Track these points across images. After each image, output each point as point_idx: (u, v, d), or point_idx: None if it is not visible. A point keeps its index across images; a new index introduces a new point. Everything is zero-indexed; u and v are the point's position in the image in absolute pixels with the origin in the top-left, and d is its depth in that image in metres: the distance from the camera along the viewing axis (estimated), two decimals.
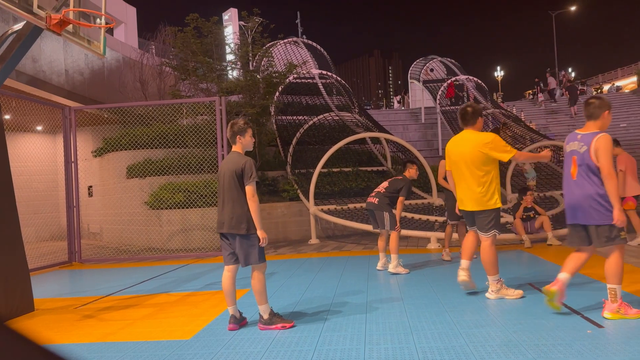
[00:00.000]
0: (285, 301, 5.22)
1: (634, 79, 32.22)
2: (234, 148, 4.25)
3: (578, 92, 24.42)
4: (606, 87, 37.24)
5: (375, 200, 6.79)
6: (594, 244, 4.15)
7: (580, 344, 3.44)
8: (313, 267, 7.48)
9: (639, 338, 3.50)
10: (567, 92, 24.40)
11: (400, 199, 6.73)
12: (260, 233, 4.03)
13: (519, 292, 4.90)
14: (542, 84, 27.61)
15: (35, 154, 13.38)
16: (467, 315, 4.31)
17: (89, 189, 13.83)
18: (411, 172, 7.05)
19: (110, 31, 19.09)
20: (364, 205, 10.76)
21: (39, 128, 14.74)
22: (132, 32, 22.53)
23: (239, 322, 4.28)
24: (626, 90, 32.06)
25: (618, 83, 40.07)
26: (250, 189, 4.04)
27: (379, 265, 6.93)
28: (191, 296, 5.78)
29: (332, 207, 11.01)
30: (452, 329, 3.93)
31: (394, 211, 6.72)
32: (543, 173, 15.10)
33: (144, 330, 4.37)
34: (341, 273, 6.73)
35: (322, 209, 10.76)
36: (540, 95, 27.21)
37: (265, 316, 4.16)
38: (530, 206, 9.03)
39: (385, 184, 6.99)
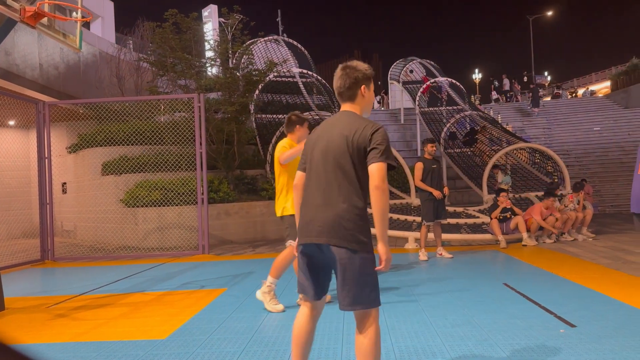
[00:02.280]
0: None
1: (608, 83, 32.98)
2: (348, 107, 2.62)
3: (540, 94, 25.65)
4: (581, 91, 38.03)
5: None
6: None
7: (554, 343, 3.50)
8: (291, 267, 7.45)
9: (611, 337, 3.57)
10: (530, 94, 25.60)
11: None
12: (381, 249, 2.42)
13: (280, 307, 4.72)
14: (496, 83, 29.33)
15: (7, 149, 13.04)
16: (443, 315, 4.35)
17: (63, 186, 13.55)
18: None
19: (86, 25, 18.75)
20: None
21: (12, 123, 14.37)
22: (109, 27, 22.16)
23: None
24: (600, 95, 32.80)
25: (592, 87, 40.95)
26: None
27: None
28: (167, 295, 5.70)
29: None
30: (428, 328, 3.96)
31: None
32: (519, 175, 15.34)
33: (118, 330, 4.29)
34: None
35: None
36: (493, 92, 29.49)
37: None
38: (509, 207, 9.17)
39: None
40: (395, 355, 3.36)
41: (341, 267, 2.36)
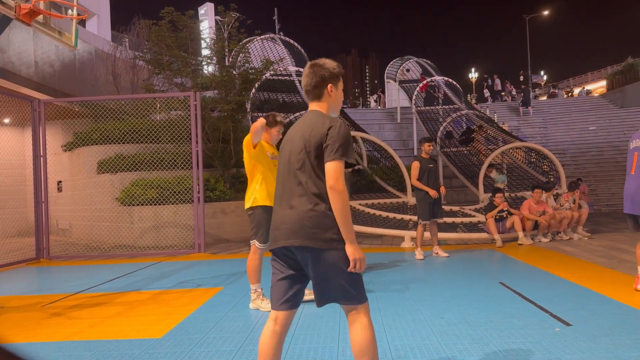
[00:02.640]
0: None
1: (603, 83, 33.10)
2: (314, 105, 2.57)
3: (532, 94, 26.49)
4: (577, 91, 38.14)
5: None
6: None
7: (549, 341, 3.51)
8: None
9: (606, 336, 3.59)
10: (521, 94, 26.04)
11: None
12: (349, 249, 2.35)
13: None
14: (489, 81, 29.82)
15: (2, 147, 12.98)
16: (439, 314, 4.35)
17: (58, 184, 13.50)
18: None
19: (82, 23, 18.66)
20: None
21: (7, 121, 14.30)
22: (105, 25, 22.07)
23: None
24: (595, 94, 32.90)
25: (588, 87, 41.08)
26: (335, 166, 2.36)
27: None
28: (162, 294, 5.69)
29: None
30: (424, 327, 3.97)
31: None
32: (514, 174, 15.38)
33: (113, 329, 4.28)
34: None
35: None
36: (485, 90, 30.12)
37: None
38: (505, 208, 9.18)
39: None
40: (391, 354, 3.36)
41: (310, 266, 2.33)
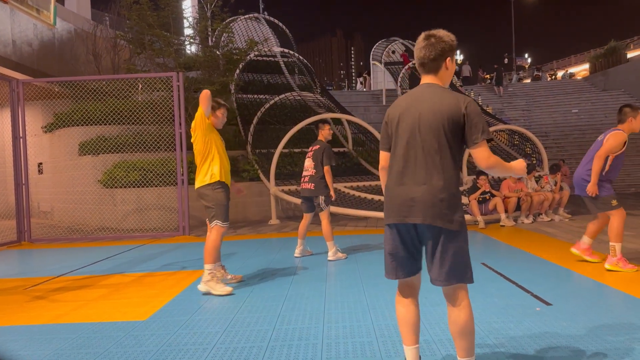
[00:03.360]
0: (244, 282, 5.20)
1: (586, 66, 33.39)
2: (431, 79, 2.50)
3: (503, 74, 27.20)
4: (560, 74, 38.45)
5: (311, 186, 6.16)
6: (591, 210, 5.25)
7: (530, 320, 3.58)
8: (273, 247, 7.47)
9: (585, 315, 3.67)
10: (493, 74, 27.23)
11: (326, 168, 6.10)
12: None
13: (228, 289, 4.60)
14: (457, 68, 30.57)
15: None
16: (422, 294, 4.40)
17: (38, 166, 13.28)
18: (324, 133, 6.35)
19: (61, 1, 18.18)
20: None
21: None
22: (84, 3, 21.48)
23: None
24: (578, 77, 33.20)
25: (571, 70, 41.44)
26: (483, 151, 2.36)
27: (297, 252, 6.50)
28: (147, 277, 5.67)
29: (293, 187, 10.98)
30: None
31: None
32: (498, 156, 15.52)
33: (98, 312, 4.26)
34: (301, 253, 6.74)
35: (282, 190, 10.72)
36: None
37: None
38: (488, 190, 9.30)
39: (310, 163, 6.23)
40: (375, 334, 3.40)
41: (436, 244, 2.34)
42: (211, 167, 4.64)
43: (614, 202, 4.95)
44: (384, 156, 2.58)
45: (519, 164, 2.49)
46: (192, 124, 4.69)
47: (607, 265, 5.03)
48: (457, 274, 2.35)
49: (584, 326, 3.42)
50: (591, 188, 4.91)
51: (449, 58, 2.44)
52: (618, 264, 4.95)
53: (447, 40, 2.42)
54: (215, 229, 4.68)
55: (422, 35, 2.45)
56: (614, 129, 5.03)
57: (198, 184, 4.71)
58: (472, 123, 2.31)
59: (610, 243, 5.01)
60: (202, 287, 4.66)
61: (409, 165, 2.37)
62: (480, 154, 2.33)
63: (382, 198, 10.57)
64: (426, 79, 2.49)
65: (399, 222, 2.38)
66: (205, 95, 4.45)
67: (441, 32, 2.43)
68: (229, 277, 5.03)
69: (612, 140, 4.91)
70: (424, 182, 2.32)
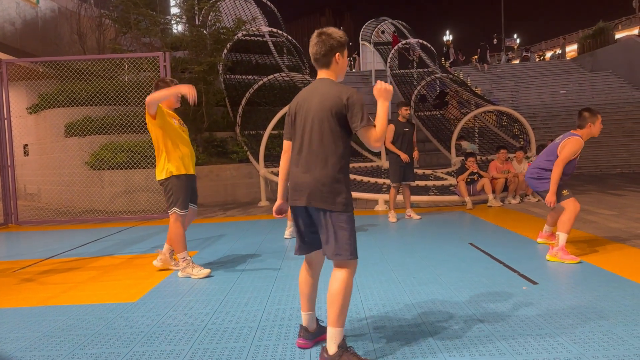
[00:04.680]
0: (234, 263, 5.22)
1: (575, 47, 33.43)
2: (324, 74, 2.71)
3: (487, 52, 27.53)
4: (549, 55, 38.48)
5: None
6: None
7: (516, 299, 3.65)
8: (263, 229, 7.49)
9: (569, 293, 3.74)
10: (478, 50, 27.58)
11: None
12: None
13: (206, 271, 4.62)
14: (444, 49, 30.90)
15: None
16: (411, 274, 4.46)
17: (24, 148, 13.10)
18: None
19: None
20: None
21: None
22: None
23: (314, 336, 2.90)
24: (567, 58, 33.27)
25: (560, 50, 41.45)
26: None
27: (287, 234, 6.58)
28: (137, 259, 5.66)
29: None
30: (397, 286, 4.06)
31: None
32: (486, 137, 15.60)
33: (88, 294, 4.26)
34: (291, 234, 6.77)
35: (272, 171, 10.70)
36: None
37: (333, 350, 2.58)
38: (476, 171, 9.37)
39: None
40: (365, 314, 3.44)
41: (322, 224, 2.60)
42: (166, 164, 4.55)
43: (565, 192, 4.87)
44: (285, 144, 2.83)
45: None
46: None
47: (547, 256, 4.86)
48: (342, 251, 2.57)
49: (568, 304, 3.49)
50: (550, 198, 4.80)
51: (338, 53, 2.67)
52: (557, 254, 4.76)
53: (336, 37, 2.66)
54: (173, 217, 4.62)
55: (315, 33, 2.69)
56: (572, 133, 4.86)
57: (157, 177, 4.67)
58: (353, 112, 2.54)
59: (557, 232, 4.86)
60: (180, 274, 4.68)
61: (301, 154, 2.64)
62: (365, 140, 2.58)
63: (371, 179, 10.62)
64: (320, 74, 2.73)
65: (293, 205, 2.68)
66: (148, 101, 4.32)
67: (331, 30, 2.68)
68: (172, 264, 4.95)
69: (569, 148, 4.77)
70: (310, 169, 2.59)
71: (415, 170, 8.21)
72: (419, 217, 7.85)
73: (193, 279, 4.57)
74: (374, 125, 2.56)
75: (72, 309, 3.83)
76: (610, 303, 3.48)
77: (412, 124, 7.83)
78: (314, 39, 2.67)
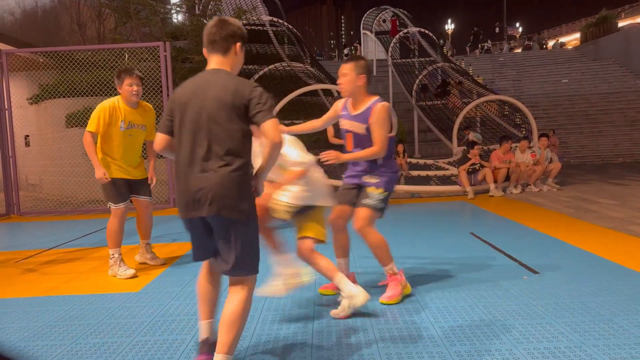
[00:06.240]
0: None
1: (577, 35, 33.23)
2: (219, 61, 2.39)
3: (480, 38, 28.35)
4: (551, 43, 38.26)
5: None
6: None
7: (517, 289, 3.65)
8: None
9: (570, 283, 3.75)
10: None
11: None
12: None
13: (131, 271, 4.40)
14: (441, 41, 31.01)
15: None
16: (410, 263, 4.47)
17: (25, 139, 13.09)
18: None
19: None
20: (315, 158, 10.72)
21: None
22: None
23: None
24: (569, 47, 33.07)
25: (562, 39, 41.22)
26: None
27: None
28: (139, 249, 5.66)
29: None
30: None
31: None
32: (488, 127, 15.56)
33: (90, 284, 4.28)
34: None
35: None
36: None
37: None
38: (478, 162, 9.35)
39: None
40: (366, 304, 3.45)
41: (223, 235, 2.27)
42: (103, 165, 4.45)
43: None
44: (161, 139, 2.39)
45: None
46: None
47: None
48: (245, 265, 2.31)
49: (569, 294, 3.50)
50: None
51: (239, 43, 2.38)
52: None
53: (238, 26, 2.40)
54: (111, 212, 4.56)
55: (215, 19, 2.41)
56: None
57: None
58: (258, 104, 2.22)
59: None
60: (110, 272, 4.50)
61: (197, 154, 2.24)
62: (268, 133, 2.21)
63: None
64: (214, 62, 2.37)
65: (189, 217, 2.27)
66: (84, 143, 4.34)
67: (232, 19, 2.42)
68: (148, 256, 4.91)
69: None
70: (211, 173, 2.21)
71: (416, 160, 8.19)
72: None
73: (194, 268, 4.58)
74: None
75: (75, 299, 3.84)
76: (611, 292, 3.49)
77: None
78: (212, 23, 2.38)
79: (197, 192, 2.21)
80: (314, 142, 12.10)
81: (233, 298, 2.33)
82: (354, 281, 3.51)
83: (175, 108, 2.34)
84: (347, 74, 3.38)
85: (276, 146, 2.23)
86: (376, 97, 3.45)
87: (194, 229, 2.35)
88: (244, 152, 2.27)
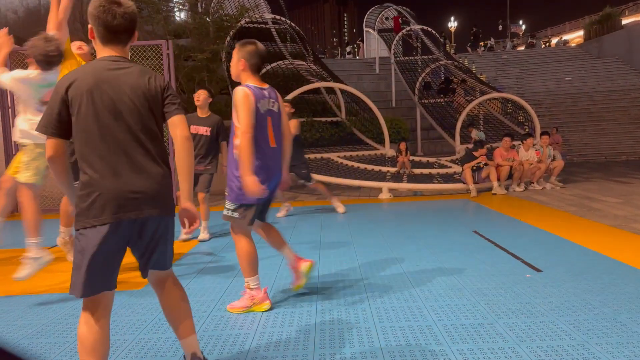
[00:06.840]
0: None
1: (581, 33, 33.10)
2: (118, 52, 2.14)
3: (479, 36, 28.37)
4: (554, 41, 38.12)
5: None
6: None
7: (520, 287, 3.65)
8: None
9: (572, 281, 3.74)
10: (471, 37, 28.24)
11: (223, 143, 6.08)
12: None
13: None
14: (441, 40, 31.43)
15: None
16: (414, 262, 4.47)
17: None
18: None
19: None
20: (317, 156, 10.76)
21: None
22: None
23: None
24: (572, 44, 32.95)
25: (565, 37, 41.07)
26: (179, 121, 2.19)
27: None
28: None
29: None
30: (400, 275, 4.07)
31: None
32: (491, 125, 15.52)
33: None
34: (295, 222, 6.78)
35: None
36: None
37: None
38: (484, 162, 9.33)
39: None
40: (368, 300, 3.45)
41: (158, 234, 2.19)
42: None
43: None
44: (54, 144, 2.02)
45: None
46: None
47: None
48: (170, 259, 2.33)
49: (573, 292, 3.49)
50: None
51: (137, 32, 2.22)
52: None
53: (136, 12, 2.15)
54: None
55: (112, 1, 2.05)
56: None
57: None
58: (170, 98, 2.14)
59: None
60: (59, 242, 4.74)
61: (118, 154, 2.01)
62: (175, 129, 2.16)
63: (375, 167, 10.60)
64: (113, 50, 2.11)
65: (120, 220, 2.01)
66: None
67: (129, 2, 2.12)
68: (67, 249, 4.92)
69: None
70: (142, 171, 2.05)
71: (419, 158, 8.18)
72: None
73: (199, 267, 4.59)
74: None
75: None
76: (613, 290, 3.48)
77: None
78: (115, 6, 2.04)
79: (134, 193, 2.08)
80: (316, 141, 12.11)
81: (173, 286, 2.37)
82: (299, 266, 3.56)
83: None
84: None
85: None
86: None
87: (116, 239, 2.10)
88: None
